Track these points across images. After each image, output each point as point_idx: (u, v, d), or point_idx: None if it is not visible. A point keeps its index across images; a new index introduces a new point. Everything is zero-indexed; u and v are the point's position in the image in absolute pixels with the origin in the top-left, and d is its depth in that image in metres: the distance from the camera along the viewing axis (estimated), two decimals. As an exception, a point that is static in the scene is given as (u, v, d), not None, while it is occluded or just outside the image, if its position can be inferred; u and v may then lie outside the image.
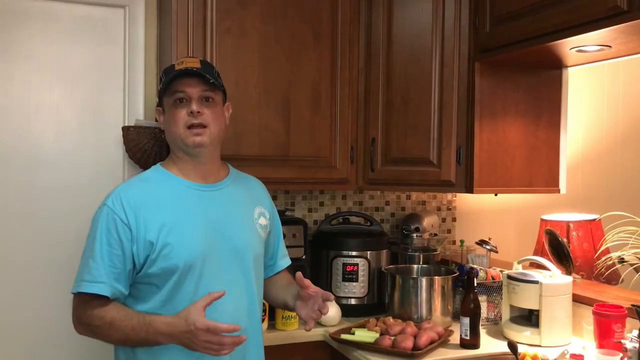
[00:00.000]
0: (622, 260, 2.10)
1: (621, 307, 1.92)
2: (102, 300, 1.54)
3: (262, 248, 1.78)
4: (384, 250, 2.55)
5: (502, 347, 2.01)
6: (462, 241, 2.75)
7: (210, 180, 1.70)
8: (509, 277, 2.18)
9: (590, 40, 1.88)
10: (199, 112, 1.61)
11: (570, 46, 1.98)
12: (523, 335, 2.09)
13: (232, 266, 1.65)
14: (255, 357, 1.73)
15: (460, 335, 2.06)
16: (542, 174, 2.38)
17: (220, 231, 1.64)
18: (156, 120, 1.77)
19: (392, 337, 2.02)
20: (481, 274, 2.37)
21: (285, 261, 1.93)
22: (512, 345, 1.88)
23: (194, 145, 1.62)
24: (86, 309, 1.54)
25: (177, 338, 1.48)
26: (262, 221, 1.77)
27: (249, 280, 1.68)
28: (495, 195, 2.47)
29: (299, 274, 1.66)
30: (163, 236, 1.56)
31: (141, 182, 1.66)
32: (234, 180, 1.77)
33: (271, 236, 1.85)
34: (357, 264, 2.45)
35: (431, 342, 2.00)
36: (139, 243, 1.55)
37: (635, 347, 1.73)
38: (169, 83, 1.62)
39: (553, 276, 2.13)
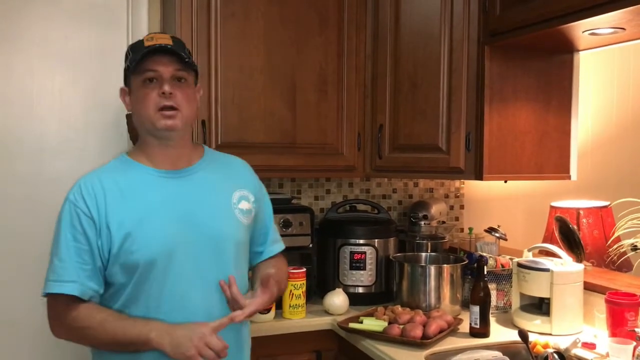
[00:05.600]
0: (635, 248, 2.07)
1: (634, 295, 1.89)
2: (80, 300, 1.46)
3: (245, 235, 1.64)
4: (392, 238, 2.52)
5: (512, 335, 1.98)
6: (470, 229, 2.72)
7: (180, 165, 1.58)
8: (519, 265, 2.15)
9: (604, 22, 1.84)
10: (171, 93, 1.50)
11: (583, 29, 1.94)
12: (533, 324, 2.07)
13: (205, 258, 1.53)
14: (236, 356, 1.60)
15: (470, 323, 2.03)
16: (552, 160, 2.35)
17: (190, 221, 1.53)
18: (125, 103, 1.61)
19: (401, 326, 2.00)
20: (490, 261, 2.34)
21: (276, 247, 1.78)
22: (523, 334, 1.86)
23: (165, 129, 1.52)
24: (69, 310, 1.46)
25: (174, 334, 1.41)
26: (244, 205, 1.64)
27: (226, 271, 1.54)
28: (505, 182, 2.43)
29: (269, 277, 1.56)
30: (124, 229, 1.46)
31: (103, 173, 1.55)
32: (209, 164, 1.65)
33: (258, 221, 1.71)
34: (364, 252, 2.42)
35: (440, 331, 1.97)
36: (102, 237, 1.46)
37: (649, 336, 1.70)
38: (139, 61, 1.50)
39: (564, 264, 2.10)
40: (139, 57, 1.50)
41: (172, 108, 1.52)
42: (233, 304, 1.51)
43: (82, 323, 1.45)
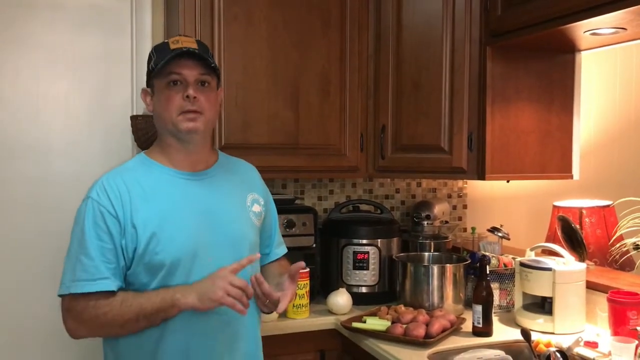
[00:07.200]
0: (637, 247, 2.08)
1: (636, 293, 1.89)
2: (102, 295, 1.45)
3: (257, 237, 1.68)
4: (395, 238, 2.53)
5: (515, 334, 1.99)
6: (473, 228, 2.73)
7: (199, 167, 1.60)
8: (522, 265, 2.16)
9: (605, 22, 1.84)
10: (195, 97, 1.51)
11: (584, 29, 1.95)
12: (536, 323, 2.07)
13: (225, 258, 1.53)
14: (250, 348, 1.64)
15: (473, 323, 2.04)
16: (555, 160, 2.36)
17: (212, 222, 1.55)
18: (146, 103, 1.62)
19: (404, 325, 2.01)
20: (493, 261, 2.35)
21: (281, 249, 1.83)
22: (526, 333, 1.87)
23: (187, 131, 1.52)
24: (87, 306, 1.45)
25: (197, 287, 1.44)
26: (256, 208, 1.68)
27: (243, 271, 1.53)
28: (508, 181, 2.44)
29: (300, 264, 1.56)
30: (150, 229, 1.47)
31: (125, 172, 1.54)
32: (224, 166, 1.67)
33: (266, 223, 1.75)
34: (367, 252, 2.43)
35: (443, 330, 1.99)
36: (127, 236, 1.46)
37: (651, 334, 1.71)
38: (165, 64, 1.49)
39: (566, 263, 2.11)
40: (165, 60, 1.50)
41: (195, 112, 1.53)
42: (263, 300, 1.54)
43: (104, 308, 1.44)
